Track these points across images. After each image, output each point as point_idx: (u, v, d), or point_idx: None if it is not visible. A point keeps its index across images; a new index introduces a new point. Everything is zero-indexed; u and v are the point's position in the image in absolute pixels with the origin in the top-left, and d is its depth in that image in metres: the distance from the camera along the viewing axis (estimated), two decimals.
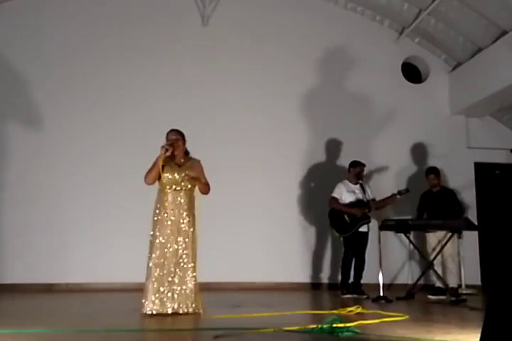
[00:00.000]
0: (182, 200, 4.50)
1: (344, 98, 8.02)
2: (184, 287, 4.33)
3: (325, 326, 3.36)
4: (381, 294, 5.86)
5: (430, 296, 6.39)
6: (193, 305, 4.31)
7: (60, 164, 7.12)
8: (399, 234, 7.00)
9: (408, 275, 7.36)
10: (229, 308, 4.78)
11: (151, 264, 4.36)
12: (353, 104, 8.03)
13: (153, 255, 4.37)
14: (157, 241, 4.39)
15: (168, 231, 4.42)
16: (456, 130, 8.24)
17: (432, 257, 6.43)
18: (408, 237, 6.62)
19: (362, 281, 6.54)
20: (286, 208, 7.52)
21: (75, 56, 7.39)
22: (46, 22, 7.42)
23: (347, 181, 6.75)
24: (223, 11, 7.78)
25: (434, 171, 6.87)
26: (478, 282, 7.58)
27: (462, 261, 7.23)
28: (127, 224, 6.90)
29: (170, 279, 4.32)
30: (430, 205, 6.76)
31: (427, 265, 6.66)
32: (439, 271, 6.46)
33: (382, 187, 7.23)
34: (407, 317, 4.20)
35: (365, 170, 6.97)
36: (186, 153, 4.72)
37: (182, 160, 4.64)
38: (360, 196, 6.57)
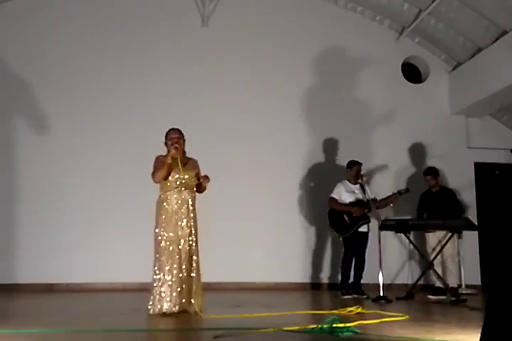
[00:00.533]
0: (186, 199, 4.50)
1: (344, 98, 8.02)
2: (189, 287, 4.31)
3: (325, 326, 3.35)
4: (381, 294, 5.85)
5: (430, 296, 6.39)
6: (196, 306, 4.28)
7: (61, 165, 7.11)
8: (399, 234, 7.00)
9: (408, 275, 7.37)
10: (229, 308, 4.78)
11: (157, 264, 4.34)
12: (353, 104, 8.03)
13: (158, 255, 4.36)
14: (162, 241, 4.37)
15: (172, 232, 4.39)
16: (456, 130, 8.24)
17: (432, 257, 6.42)
18: (408, 237, 6.62)
19: (362, 281, 6.54)
20: (286, 208, 7.52)
21: (75, 56, 7.39)
22: (46, 22, 7.42)
23: (346, 181, 6.75)
24: (223, 11, 7.78)
25: (431, 172, 6.85)
26: (478, 282, 7.59)
27: (462, 261, 7.23)
28: (128, 224, 6.91)
29: (175, 279, 4.29)
30: (430, 205, 6.76)
31: (426, 265, 6.66)
32: (439, 271, 6.45)
33: (382, 187, 7.22)
34: (407, 317, 4.20)
35: (365, 170, 6.97)
36: (184, 152, 4.71)
37: (184, 160, 4.62)
38: (360, 196, 6.57)
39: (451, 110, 8.28)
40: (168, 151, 4.56)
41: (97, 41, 7.49)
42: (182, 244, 4.39)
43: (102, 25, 7.55)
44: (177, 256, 4.35)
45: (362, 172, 6.73)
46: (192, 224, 4.48)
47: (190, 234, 4.44)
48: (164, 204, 4.49)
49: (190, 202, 4.52)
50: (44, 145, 7.13)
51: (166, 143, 4.61)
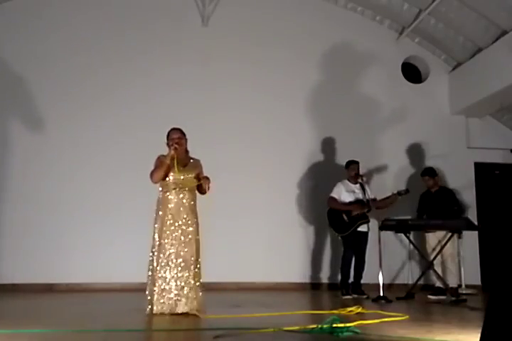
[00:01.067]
0: (185, 200, 4.48)
1: (344, 98, 8.02)
2: (188, 287, 4.30)
3: (325, 326, 3.35)
4: (381, 294, 5.85)
5: (430, 296, 6.39)
6: (195, 307, 4.27)
7: (60, 164, 7.12)
8: (399, 234, 7.00)
9: (408, 275, 7.37)
10: (229, 308, 4.78)
11: (155, 264, 4.33)
12: (353, 104, 8.03)
13: (156, 255, 4.35)
14: (161, 241, 4.36)
15: (171, 232, 4.38)
16: (456, 130, 8.24)
17: (432, 257, 6.42)
18: (408, 237, 6.62)
19: (362, 281, 6.54)
20: (286, 208, 7.53)
21: (74, 56, 7.39)
22: (46, 22, 7.42)
23: (347, 181, 6.75)
24: (223, 11, 7.79)
25: (428, 173, 6.85)
26: (478, 282, 7.59)
27: (462, 261, 7.23)
28: (127, 224, 6.92)
29: (174, 279, 4.28)
30: (429, 205, 6.76)
31: (426, 265, 6.66)
32: (439, 271, 6.45)
33: (382, 187, 7.23)
34: (407, 317, 4.20)
35: (365, 170, 6.96)
36: (186, 152, 4.70)
37: (185, 160, 4.61)
38: (360, 196, 6.57)
39: (451, 110, 8.29)
40: None
41: (96, 41, 7.49)
42: (179, 243, 4.36)
43: (102, 25, 7.55)
44: (173, 256, 4.32)
45: (362, 172, 6.73)
46: (190, 223, 4.43)
47: (188, 234, 4.40)
48: (163, 204, 4.48)
49: (189, 203, 4.48)
50: (43, 145, 7.13)
51: (167, 144, 4.57)
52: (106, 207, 7.05)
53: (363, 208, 6.48)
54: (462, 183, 7.81)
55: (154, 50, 7.61)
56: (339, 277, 6.71)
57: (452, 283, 6.37)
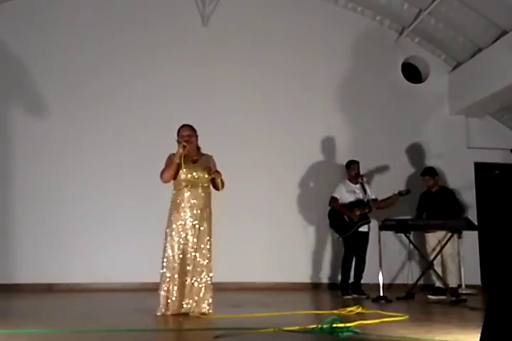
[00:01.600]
0: (199, 198, 4.42)
1: (344, 98, 8.01)
2: (196, 286, 4.25)
3: (325, 326, 3.35)
4: (381, 294, 5.85)
5: (430, 296, 6.39)
6: (202, 306, 4.23)
7: (61, 165, 7.11)
8: (399, 234, 7.00)
9: (408, 275, 7.37)
10: (229, 308, 4.78)
11: (165, 264, 4.28)
12: (352, 104, 8.03)
13: (167, 254, 4.30)
14: (173, 240, 4.30)
15: (183, 231, 4.33)
16: (456, 130, 8.23)
17: (432, 257, 6.42)
18: (408, 237, 6.62)
19: (362, 281, 6.54)
20: (286, 208, 7.52)
21: (74, 56, 7.38)
22: (46, 22, 7.41)
23: (348, 181, 6.76)
24: (223, 12, 7.78)
25: (428, 172, 6.85)
26: (478, 282, 7.59)
27: (462, 261, 7.22)
28: (127, 225, 6.92)
29: (184, 278, 4.24)
30: (429, 205, 6.76)
31: (426, 265, 6.66)
32: (439, 271, 6.45)
33: (382, 187, 7.22)
34: (407, 317, 4.20)
35: (365, 170, 6.95)
36: (198, 148, 4.62)
37: (195, 157, 4.53)
38: (361, 196, 6.57)
39: (451, 110, 8.28)
40: None
41: (97, 41, 7.48)
42: (190, 243, 4.31)
43: (102, 26, 7.54)
44: (180, 256, 4.27)
45: (362, 172, 6.73)
46: (201, 224, 4.37)
47: (199, 234, 4.34)
48: (175, 202, 4.41)
49: (200, 201, 4.42)
50: (44, 145, 7.13)
51: (177, 141, 4.45)
52: (106, 208, 7.05)
53: (364, 210, 6.47)
54: (462, 183, 7.81)
55: (154, 50, 7.60)
56: (339, 277, 6.71)
57: (452, 283, 6.37)
